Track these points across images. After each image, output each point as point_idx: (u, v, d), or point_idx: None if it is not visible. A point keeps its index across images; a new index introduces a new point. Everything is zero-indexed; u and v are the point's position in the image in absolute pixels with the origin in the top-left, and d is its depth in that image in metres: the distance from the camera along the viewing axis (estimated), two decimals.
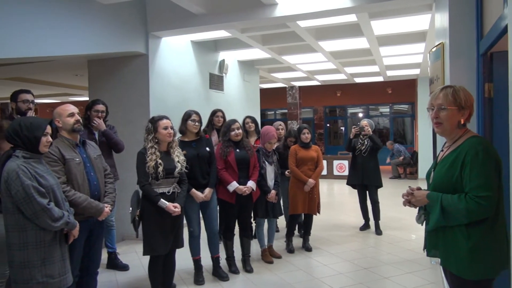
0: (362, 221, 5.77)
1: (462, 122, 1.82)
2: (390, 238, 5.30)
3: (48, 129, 2.38)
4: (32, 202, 2.17)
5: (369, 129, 5.51)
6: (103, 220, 2.89)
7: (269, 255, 4.39)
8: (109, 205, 2.88)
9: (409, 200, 1.94)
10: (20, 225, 2.21)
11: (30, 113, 3.50)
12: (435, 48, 3.74)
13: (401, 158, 11.56)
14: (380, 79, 11.90)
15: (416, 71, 10.43)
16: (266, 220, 4.42)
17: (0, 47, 3.59)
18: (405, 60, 8.85)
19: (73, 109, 2.82)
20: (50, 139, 2.40)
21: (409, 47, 7.42)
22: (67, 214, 2.36)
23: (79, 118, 2.81)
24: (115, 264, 4.24)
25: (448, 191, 1.77)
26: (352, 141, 5.66)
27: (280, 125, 5.33)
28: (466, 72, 3.06)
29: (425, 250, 2.01)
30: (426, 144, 10.87)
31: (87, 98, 4.47)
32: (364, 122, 5.60)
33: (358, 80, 12.05)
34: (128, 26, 5.09)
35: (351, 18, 5.44)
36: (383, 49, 7.49)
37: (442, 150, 1.96)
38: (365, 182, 5.51)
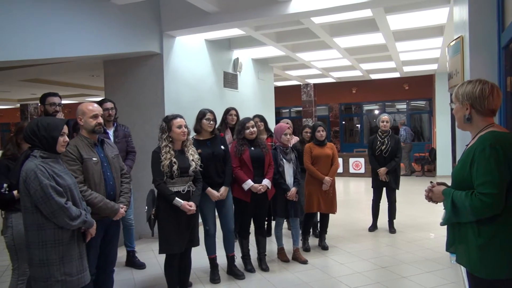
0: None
1: (466, 116, 1.82)
2: (408, 237, 5.21)
3: (65, 129, 2.40)
4: (50, 201, 2.20)
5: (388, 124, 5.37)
6: (119, 219, 2.92)
7: (285, 254, 4.35)
8: (124, 206, 2.89)
9: (430, 196, 1.92)
10: (39, 224, 2.24)
11: (59, 116, 3.57)
12: (454, 42, 3.64)
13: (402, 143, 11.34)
14: (396, 75, 11.72)
15: (434, 66, 10.22)
16: (286, 220, 4.37)
17: (19, 49, 3.66)
18: (422, 55, 8.68)
19: (98, 110, 2.84)
20: (67, 139, 2.42)
21: (426, 41, 7.27)
22: (84, 213, 2.39)
23: (101, 120, 2.84)
24: (132, 262, 4.29)
25: (463, 188, 1.75)
26: (370, 139, 5.55)
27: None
28: (486, 66, 2.97)
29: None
30: (445, 141, 10.68)
31: (101, 98, 4.57)
32: (385, 117, 5.44)
33: (374, 76, 11.89)
34: (143, 26, 5.12)
35: (367, 13, 5.35)
36: (399, 44, 7.36)
37: (466, 145, 1.92)
38: (384, 185, 5.38)
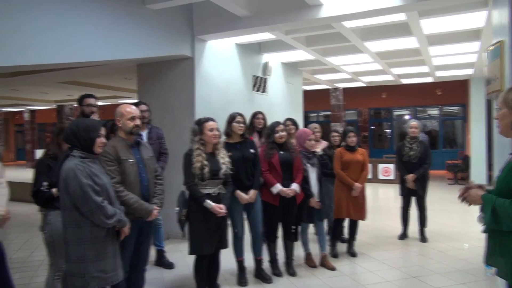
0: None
1: None
2: (439, 246, 5.05)
3: (103, 130, 2.49)
4: (87, 199, 2.28)
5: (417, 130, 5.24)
6: (152, 219, 2.98)
7: (313, 259, 4.32)
8: (158, 207, 2.96)
9: (465, 196, 1.89)
10: (77, 221, 2.33)
11: (95, 117, 3.70)
12: (492, 46, 3.53)
13: None
14: (429, 79, 11.43)
15: (469, 71, 9.90)
16: (312, 225, 4.34)
17: (56, 53, 3.80)
18: (457, 59, 8.42)
19: (135, 112, 2.91)
20: (104, 140, 2.51)
21: (461, 46, 7.06)
22: (119, 212, 2.46)
23: (139, 122, 2.91)
24: (162, 262, 4.36)
25: (507, 197, 1.70)
26: (398, 145, 5.43)
27: (316, 127, 5.16)
28: None
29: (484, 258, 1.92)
30: (480, 148, 10.33)
31: (135, 101, 4.68)
32: (414, 123, 5.31)
33: (405, 81, 11.64)
34: (176, 30, 5.23)
35: (399, 17, 5.26)
36: (433, 49, 7.18)
37: (510, 154, 1.87)
38: (412, 193, 5.25)
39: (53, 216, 2.92)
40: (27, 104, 15.95)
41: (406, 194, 5.32)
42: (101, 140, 2.47)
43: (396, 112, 16.13)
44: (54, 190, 2.83)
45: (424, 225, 5.32)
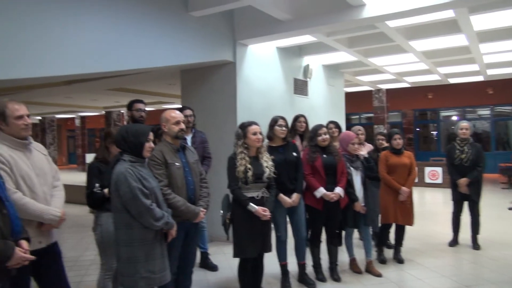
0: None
1: None
2: (493, 254, 4.76)
3: (151, 135, 2.57)
4: (137, 202, 2.36)
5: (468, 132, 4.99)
6: (198, 222, 3.04)
7: (358, 265, 4.22)
8: (204, 209, 3.01)
9: None
10: (127, 223, 2.41)
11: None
12: None
13: None
14: (479, 78, 10.86)
15: None
16: (357, 230, 4.25)
17: (108, 61, 3.98)
18: (510, 57, 7.96)
19: (180, 117, 2.99)
20: (153, 145, 2.59)
21: None
22: (167, 215, 2.53)
23: (184, 126, 2.99)
24: (206, 264, 4.43)
25: None
26: (447, 148, 5.19)
27: (360, 130, 5.03)
28: None
29: None
30: None
31: (178, 106, 4.82)
32: (464, 124, 5.03)
33: (452, 80, 11.14)
34: (218, 36, 5.32)
35: (448, 14, 5.05)
36: (483, 46, 6.82)
37: None
38: (465, 198, 5.00)
39: (104, 218, 3.04)
40: (78, 111, 16.86)
41: (459, 199, 5.07)
42: (150, 144, 2.55)
43: (443, 113, 15.47)
44: (106, 190, 2.95)
45: (477, 231, 5.05)
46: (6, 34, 3.19)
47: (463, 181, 4.87)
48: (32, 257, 1.93)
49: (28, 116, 2.39)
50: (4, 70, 3.25)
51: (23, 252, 1.87)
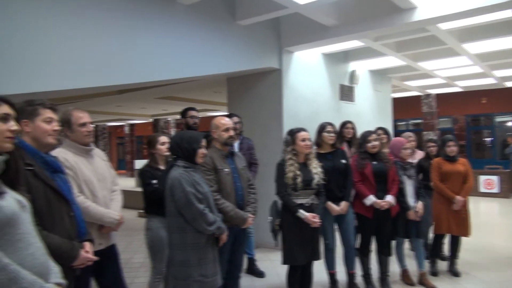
0: None
1: None
2: None
3: (203, 142, 2.64)
4: (191, 207, 2.42)
5: None
6: (246, 227, 3.06)
7: (410, 277, 4.06)
8: (252, 215, 3.03)
9: None
10: (181, 227, 2.48)
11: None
12: None
13: None
14: None
15: None
16: (409, 240, 4.10)
17: (158, 71, 4.12)
18: None
19: (229, 124, 3.06)
20: (205, 151, 2.65)
21: None
22: (219, 220, 2.57)
23: (233, 133, 3.05)
24: (252, 270, 4.44)
25: None
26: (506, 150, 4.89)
27: (410, 136, 4.85)
28: None
29: None
30: None
31: (224, 113, 4.92)
32: None
33: (510, 84, 10.52)
34: (264, 44, 5.37)
35: (505, 14, 4.78)
36: None
37: None
38: None
39: (154, 222, 3.14)
40: (128, 119, 17.58)
41: None
42: (202, 151, 2.62)
43: (498, 119, 14.60)
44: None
45: None
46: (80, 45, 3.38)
47: None
48: (96, 258, 2.02)
49: (90, 123, 2.53)
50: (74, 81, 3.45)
51: (87, 253, 1.97)
